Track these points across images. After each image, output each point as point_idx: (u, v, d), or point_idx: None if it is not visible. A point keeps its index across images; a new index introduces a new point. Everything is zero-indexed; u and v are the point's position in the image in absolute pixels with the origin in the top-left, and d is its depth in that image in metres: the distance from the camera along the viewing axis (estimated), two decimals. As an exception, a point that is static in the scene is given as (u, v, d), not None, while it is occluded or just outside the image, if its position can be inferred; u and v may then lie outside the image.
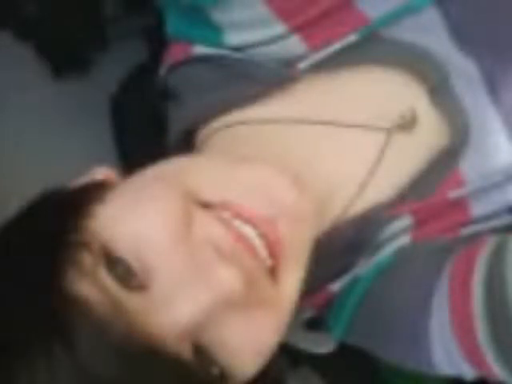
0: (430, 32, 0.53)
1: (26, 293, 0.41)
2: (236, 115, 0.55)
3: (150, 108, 0.63)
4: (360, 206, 0.54)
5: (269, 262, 0.44)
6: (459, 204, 0.55)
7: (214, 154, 0.55)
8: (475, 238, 0.55)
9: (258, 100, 0.55)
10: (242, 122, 0.55)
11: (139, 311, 0.41)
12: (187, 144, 0.59)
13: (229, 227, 0.43)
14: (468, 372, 0.53)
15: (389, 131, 0.54)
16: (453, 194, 0.55)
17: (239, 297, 0.42)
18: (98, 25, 1.04)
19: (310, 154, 0.54)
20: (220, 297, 0.41)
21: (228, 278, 0.41)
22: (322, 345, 0.57)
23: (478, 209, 0.56)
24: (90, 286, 0.41)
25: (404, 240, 0.56)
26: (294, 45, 0.53)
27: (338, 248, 0.55)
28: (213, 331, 0.43)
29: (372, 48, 0.53)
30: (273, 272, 0.45)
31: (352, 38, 0.52)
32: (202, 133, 0.57)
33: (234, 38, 0.54)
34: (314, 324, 0.58)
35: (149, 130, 0.92)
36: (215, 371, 0.44)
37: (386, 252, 0.55)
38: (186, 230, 0.43)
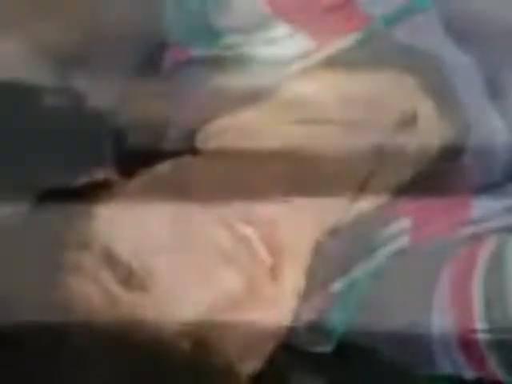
0: (430, 32, 0.53)
1: (26, 290, 0.41)
2: (236, 115, 0.55)
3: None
4: (360, 206, 0.54)
5: (269, 263, 0.44)
6: (459, 204, 0.55)
7: (214, 154, 0.55)
8: (475, 237, 0.55)
9: (257, 100, 0.55)
10: (242, 123, 0.55)
11: (139, 311, 0.41)
12: (187, 144, 0.59)
13: (229, 228, 0.43)
14: (468, 372, 0.53)
15: (389, 131, 0.54)
16: (453, 194, 0.55)
17: (239, 297, 0.42)
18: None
19: (309, 154, 0.54)
20: (220, 297, 0.41)
21: (228, 279, 0.41)
22: (322, 345, 0.57)
23: (478, 209, 0.56)
24: (90, 285, 0.41)
25: (404, 240, 0.56)
26: (294, 45, 0.53)
27: (338, 249, 0.55)
28: (213, 331, 0.43)
29: (373, 48, 0.53)
30: (273, 272, 0.45)
31: (353, 37, 0.52)
32: (202, 133, 0.57)
33: (234, 38, 0.54)
34: (314, 324, 0.58)
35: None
36: (215, 370, 0.44)
37: (386, 252, 0.55)
38: (187, 231, 0.43)
